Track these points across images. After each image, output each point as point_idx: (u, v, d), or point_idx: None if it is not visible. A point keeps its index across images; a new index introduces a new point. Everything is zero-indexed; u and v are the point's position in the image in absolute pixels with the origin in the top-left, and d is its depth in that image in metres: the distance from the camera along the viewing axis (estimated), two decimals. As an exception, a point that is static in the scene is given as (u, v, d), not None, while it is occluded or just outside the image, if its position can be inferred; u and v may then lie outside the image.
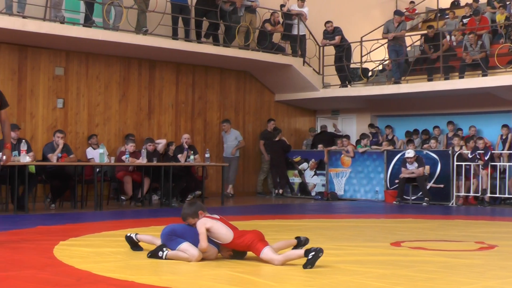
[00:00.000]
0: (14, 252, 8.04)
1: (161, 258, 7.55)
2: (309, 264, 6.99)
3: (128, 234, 8.27)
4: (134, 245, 8.20)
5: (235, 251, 7.59)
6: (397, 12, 20.63)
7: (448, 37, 20.76)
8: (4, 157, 8.49)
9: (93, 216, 13.64)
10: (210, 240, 7.51)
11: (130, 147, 15.90)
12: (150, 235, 8.27)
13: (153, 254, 7.65)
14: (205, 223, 7.48)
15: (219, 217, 7.69)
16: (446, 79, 19.15)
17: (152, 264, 7.29)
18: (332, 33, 21.00)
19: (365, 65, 21.34)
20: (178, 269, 7.03)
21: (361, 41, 20.73)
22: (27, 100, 16.57)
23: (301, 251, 7.23)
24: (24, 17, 15.36)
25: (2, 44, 16.18)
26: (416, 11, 25.42)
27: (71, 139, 16.98)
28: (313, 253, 7.00)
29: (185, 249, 7.50)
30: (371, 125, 21.03)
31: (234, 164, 19.62)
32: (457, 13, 22.80)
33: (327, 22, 21.07)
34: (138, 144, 16.99)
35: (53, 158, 14.70)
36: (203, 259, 7.45)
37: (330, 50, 21.17)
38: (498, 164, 17.71)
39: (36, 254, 7.86)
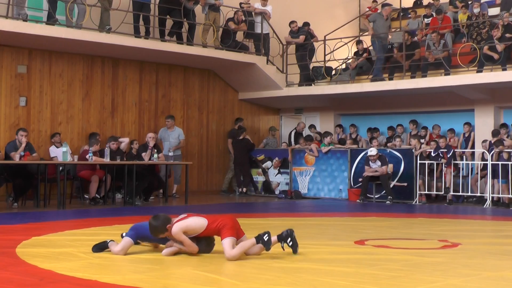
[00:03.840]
0: (-24, 252, 7.97)
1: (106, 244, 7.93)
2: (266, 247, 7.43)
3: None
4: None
5: (202, 242, 7.69)
6: (386, 4, 20.75)
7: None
8: None
9: (56, 215, 13.53)
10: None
11: (95, 147, 15.80)
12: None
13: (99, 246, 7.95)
14: (180, 228, 7.60)
15: (186, 214, 7.79)
16: (412, 77, 19.25)
17: (116, 263, 7.26)
18: (297, 32, 21.05)
19: (328, 64, 21.41)
20: (141, 268, 7.01)
21: (324, 40, 20.81)
22: (-12, 98, 16.44)
23: (252, 240, 7.47)
24: (-14, 14, 15.22)
25: (-37, 41, 16.05)
26: (379, 11, 25.53)
27: (34, 137, 16.84)
28: (266, 236, 7.46)
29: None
30: (339, 126, 21.12)
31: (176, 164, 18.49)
32: (419, 12, 22.94)
33: (292, 22, 21.12)
34: (102, 143, 16.90)
35: (16, 157, 14.57)
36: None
37: (294, 49, 21.22)
38: (460, 162, 17.86)
39: (-1, 254, 7.81)
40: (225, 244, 7.44)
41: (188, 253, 7.72)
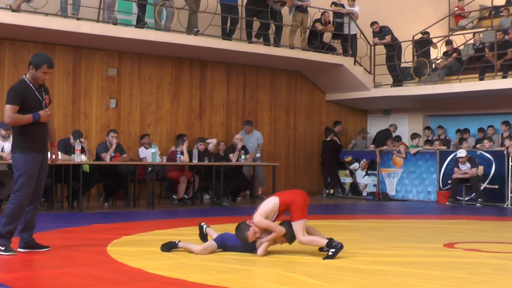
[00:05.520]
0: (69, 249, 8.17)
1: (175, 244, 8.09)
2: (329, 258, 7.53)
3: (202, 224, 8.51)
4: (202, 235, 8.43)
5: (285, 224, 7.78)
6: None
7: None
8: (53, 156, 8.37)
9: (145, 215, 13.75)
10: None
11: (180, 147, 15.95)
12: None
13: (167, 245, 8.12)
14: (260, 215, 7.72)
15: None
16: (504, 77, 18.75)
17: (204, 263, 7.32)
18: (379, 33, 20.85)
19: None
20: (228, 268, 7.04)
21: (412, 40, 20.58)
22: (81, 101, 16.78)
23: (324, 241, 7.65)
24: (78, 19, 15.53)
25: (57, 45, 16.41)
26: (465, 10, 25.09)
27: (124, 138, 17.14)
28: (333, 249, 7.53)
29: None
30: (427, 128, 20.76)
31: (258, 166, 18.20)
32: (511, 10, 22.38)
33: (373, 23, 20.89)
34: (190, 144, 17.07)
35: (107, 158, 14.89)
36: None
37: (381, 49, 21.04)
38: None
39: (90, 252, 7.98)
40: (296, 227, 7.61)
41: (280, 242, 7.86)
